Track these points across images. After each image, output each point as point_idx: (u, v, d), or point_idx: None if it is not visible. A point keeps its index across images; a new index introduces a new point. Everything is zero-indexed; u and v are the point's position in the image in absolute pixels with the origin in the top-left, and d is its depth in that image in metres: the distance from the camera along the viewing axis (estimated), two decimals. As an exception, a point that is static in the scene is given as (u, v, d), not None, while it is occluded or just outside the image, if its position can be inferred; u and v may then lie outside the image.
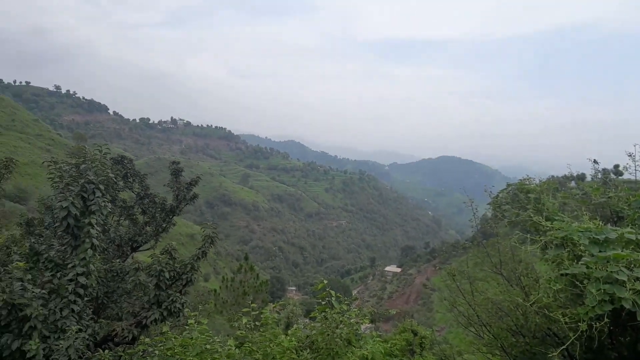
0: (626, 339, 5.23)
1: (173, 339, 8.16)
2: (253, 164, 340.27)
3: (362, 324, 9.15)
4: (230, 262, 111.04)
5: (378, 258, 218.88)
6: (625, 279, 4.32)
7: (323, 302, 8.78)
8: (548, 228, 5.60)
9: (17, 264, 9.04)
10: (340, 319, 8.49)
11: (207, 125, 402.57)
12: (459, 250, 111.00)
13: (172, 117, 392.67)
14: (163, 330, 8.46)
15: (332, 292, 8.90)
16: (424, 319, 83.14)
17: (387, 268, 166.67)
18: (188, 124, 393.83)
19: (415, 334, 16.52)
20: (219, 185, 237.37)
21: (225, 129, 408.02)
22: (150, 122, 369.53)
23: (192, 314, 8.92)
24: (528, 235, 5.95)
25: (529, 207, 6.78)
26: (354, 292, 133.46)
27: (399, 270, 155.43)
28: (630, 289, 4.27)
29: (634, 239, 4.81)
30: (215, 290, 33.95)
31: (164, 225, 15.95)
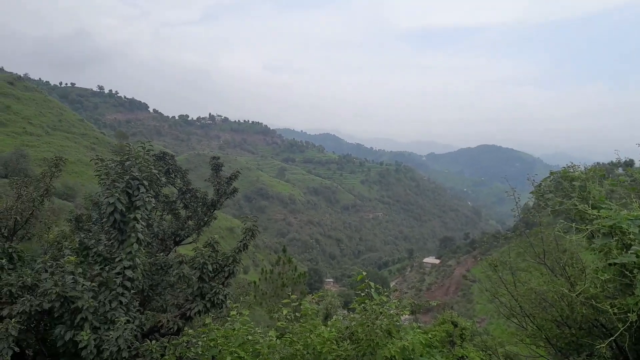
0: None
1: (215, 330, 8.36)
2: (289, 158, 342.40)
3: (402, 315, 9.12)
4: (269, 255, 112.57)
5: (416, 250, 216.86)
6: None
7: (362, 294, 8.79)
8: (594, 216, 5.44)
9: (68, 258, 9.46)
10: (380, 310, 8.48)
11: (244, 121, 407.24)
12: (500, 241, 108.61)
13: (210, 114, 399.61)
14: (206, 322, 8.67)
15: (372, 284, 8.90)
16: (463, 310, 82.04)
17: (426, 259, 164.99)
18: (226, 119, 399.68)
19: (455, 325, 16.31)
20: (256, 179, 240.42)
21: (261, 123, 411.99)
22: (189, 118, 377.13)
23: (234, 305, 9.11)
24: (573, 224, 5.80)
25: (573, 195, 6.59)
26: (392, 284, 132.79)
27: (437, 261, 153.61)
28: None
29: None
30: (254, 282, 34.50)
31: (206, 219, 16.31)
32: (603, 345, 4.82)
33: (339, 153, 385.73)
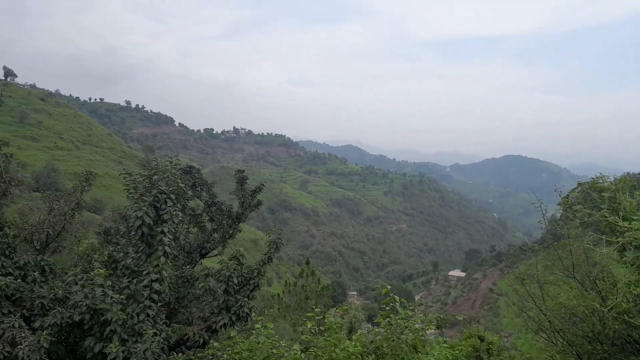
0: None
1: (240, 343, 8.40)
2: (312, 170, 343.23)
3: (427, 329, 9.02)
4: (292, 267, 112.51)
5: (441, 262, 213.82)
6: None
7: (387, 308, 8.73)
8: (626, 228, 5.32)
9: (98, 271, 9.67)
10: (406, 324, 8.41)
11: (268, 133, 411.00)
12: (528, 253, 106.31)
13: (234, 127, 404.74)
14: (231, 335, 8.72)
15: (397, 298, 8.83)
16: (490, 324, 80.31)
17: (451, 272, 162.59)
18: (249, 132, 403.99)
19: (482, 339, 16.05)
20: (280, 191, 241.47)
21: (284, 136, 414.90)
22: (214, 132, 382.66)
23: (259, 318, 9.15)
24: (603, 237, 5.68)
25: (603, 206, 6.46)
26: (417, 297, 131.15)
27: (463, 274, 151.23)
28: None
29: None
30: (278, 295, 34.49)
31: (231, 232, 16.47)
32: (637, 362, 4.70)
33: (361, 164, 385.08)
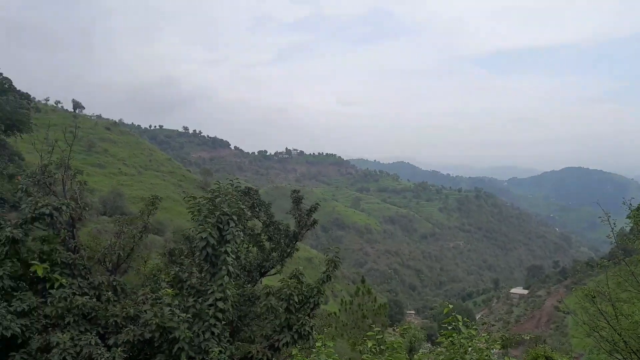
0: None
1: (302, 361, 8.47)
2: (363, 187, 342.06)
3: (492, 349, 8.78)
4: (347, 285, 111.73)
5: (502, 280, 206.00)
6: None
7: (449, 327, 8.59)
8: None
9: (166, 290, 10.15)
10: (469, 344, 8.23)
11: (319, 153, 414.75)
12: (596, 269, 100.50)
13: (286, 148, 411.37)
14: (292, 353, 8.83)
15: (459, 317, 8.68)
16: (557, 344, 76.14)
17: (513, 290, 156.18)
18: (301, 153, 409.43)
19: (549, 360, 15.33)
20: (332, 209, 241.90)
21: (335, 155, 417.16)
22: (267, 153, 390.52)
23: (319, 336, 9.23)
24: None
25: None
26: (478, 316, 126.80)
27: (525, 292, 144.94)
28: None
29: None
30: (334, 313, 34.42)
31: (288, 251, 16.78)
32: None
33: (414, 181, 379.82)
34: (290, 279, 11.03)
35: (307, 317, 10.69)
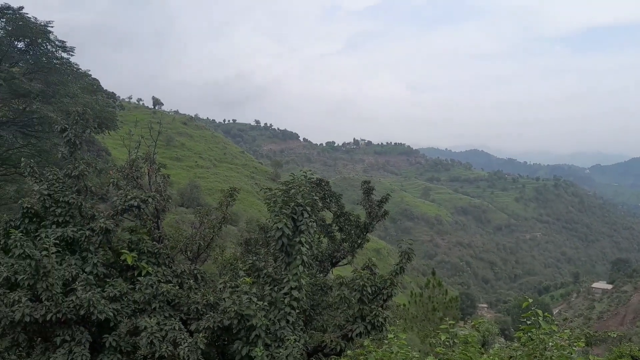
0: None
1: (374, 352, 8.48)
2: (433, 177, 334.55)
3: (575, 347, 8.34)
4: (416, 277, 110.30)
5: (582, 273, 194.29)
6: None
7: (528, 322, 8.25)
8: None
9: (244, 279, 10.51)
10: (550, 340, 7.87)
11: (387, 143, 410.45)
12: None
13: (354, 138, 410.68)
14: (364, 344, 8.86)
15: (539, 311, 8.32)
16: (646, 343, 70.83)
17: (595, 284, 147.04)
18: (369, 143, 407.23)
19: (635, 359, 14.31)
20: (401, 200, 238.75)
21: (404, 144, 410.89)
22: (335, 145, 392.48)
23: (391, 327, 9.19)
24: None
25: None
26: (555, 311, 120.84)
27: (609, 286, 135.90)
28: None
29: None
30: (404, 305, 34.13)
31: (359, 242, 16.82)
32: None
33: (488, 170, 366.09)
34: (363, 270, 11.06)
35: (380, 309, 10.68)
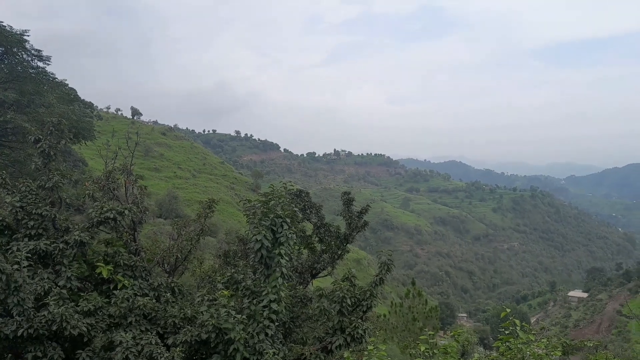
0: None
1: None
2: (413, 188, 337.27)
3: (552, 355, 8.46)
4: (397, 287, 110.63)
5: (559, 282, 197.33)
6: None
7: (507, 332, 8.35)
8: None
9: (222, 292, 10.38)
10: (527, 349, 7.97)
11: (367, 154, 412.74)
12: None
13: (335, 149, 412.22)
14: (344, 356, 8.82)
15: (517, 321, 8.42)
16: (620, 350, 71.96)
17: (571, 293, 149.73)
18: (349, 154, 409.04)
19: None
20: (381, 210, 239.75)
21: (384, 155, 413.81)
22: (316, 155, 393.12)
23: (371, 339, 9.17)
24: None
25: None
26: (533, 320, 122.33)
27: (585, 295, 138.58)
28: None
29: None
30: (384, 315, 34.11)
31: (339, 253, 16.80)
32: None
33: (466, 180, 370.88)
34: (343, 281, 11.02)
35: (359, 320, 10.65)
